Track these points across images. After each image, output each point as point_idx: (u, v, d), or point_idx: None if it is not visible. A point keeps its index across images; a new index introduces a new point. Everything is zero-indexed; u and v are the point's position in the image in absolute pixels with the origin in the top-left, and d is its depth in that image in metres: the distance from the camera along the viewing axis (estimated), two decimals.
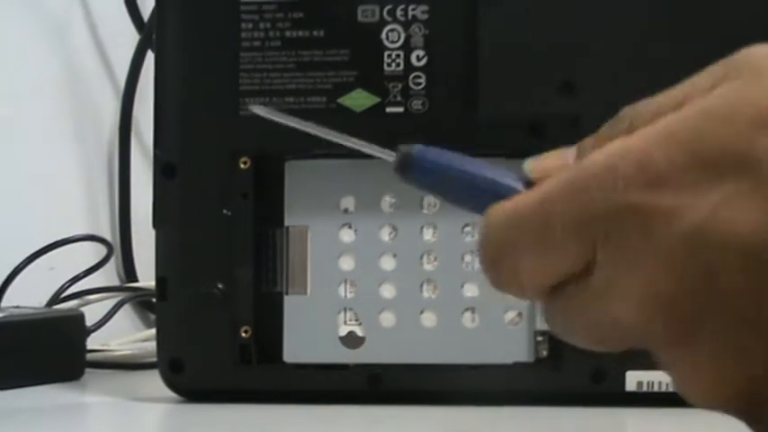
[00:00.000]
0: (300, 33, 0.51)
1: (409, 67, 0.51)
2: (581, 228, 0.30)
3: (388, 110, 0.51)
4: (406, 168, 0.34)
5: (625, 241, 0.29)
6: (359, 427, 0.48)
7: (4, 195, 0.76)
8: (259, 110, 0.38)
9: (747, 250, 0.27)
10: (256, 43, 0.51)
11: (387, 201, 0.51)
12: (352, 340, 0.51)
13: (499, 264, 0.31)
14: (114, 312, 0.72)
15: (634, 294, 0.29)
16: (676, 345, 0.29)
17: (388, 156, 0.35)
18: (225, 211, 0.52)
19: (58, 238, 0.73)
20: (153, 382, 0.53)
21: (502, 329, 0.50)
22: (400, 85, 0.51)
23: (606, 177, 0.29)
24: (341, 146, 0.51)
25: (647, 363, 0.49)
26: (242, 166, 0.52)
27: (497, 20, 0.50)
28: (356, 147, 0.37)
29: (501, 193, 0.32)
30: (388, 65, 0.51)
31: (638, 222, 0.29)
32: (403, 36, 0.51)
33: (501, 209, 0.31)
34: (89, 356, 0.62)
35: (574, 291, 0.31)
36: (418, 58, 0.51)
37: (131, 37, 0.83)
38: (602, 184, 0.29)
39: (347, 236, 0.52)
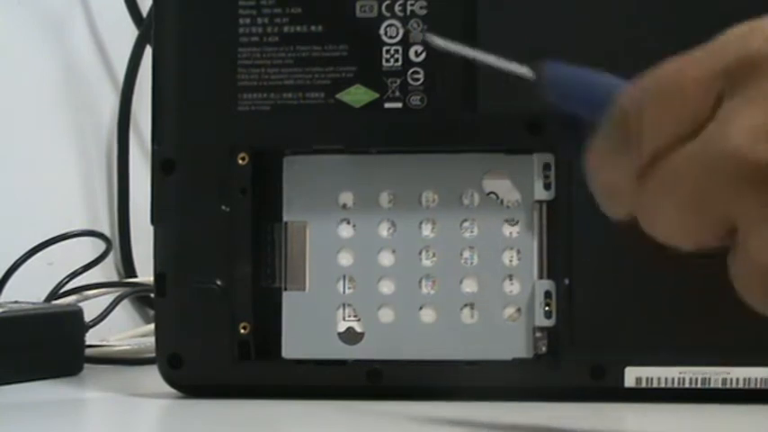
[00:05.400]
0: (299, 29, 0.51)
1: (408, 63, 0.51)
2: (714, 78, 0.33)
3: (387, 105, 0.51)
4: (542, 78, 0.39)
5: (752, 81, 0.32)
6: (357, 422, 0.48)
7: (2, 190, 0.76)
8: (433, 39, 0.44)
9: None
10: (254, 38, 0.51)
11: (385, 196, 0.51)
12: (350, 336, 0.51)
13: (627, 122, 0.35)
14: (113, 308, 0.72)
15: (753, 120, 0.32)
16: None
17: (526, 70, 0.40)
18: (223, 207, 0.52)
19: (57, 234, 0.74)
20: (152, 377, 0.53)
21: (501, 325, 0.50)
22: (399, 81, 0.51)
23: (745, 32, 0.34)
24: (339, 141, 0.51)
25: (646, 359, 0.49)
26: (240, 161, 0.52)
27: (496, 15, 0.50)
28: (497, 64, 0.42)
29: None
30: (387, 60, 0.51)
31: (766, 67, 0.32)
32: (401, 31, 0.51)
33: (636, 85, 0.35)
34: (88, 352, 0.62)
35: (688, 148, 0.33)
36: (417, 54, 0.51)
37: (130, 32, 0.83)
38: (740, 38, 0.33)
39: (346, 231, 0.52)
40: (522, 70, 0.40)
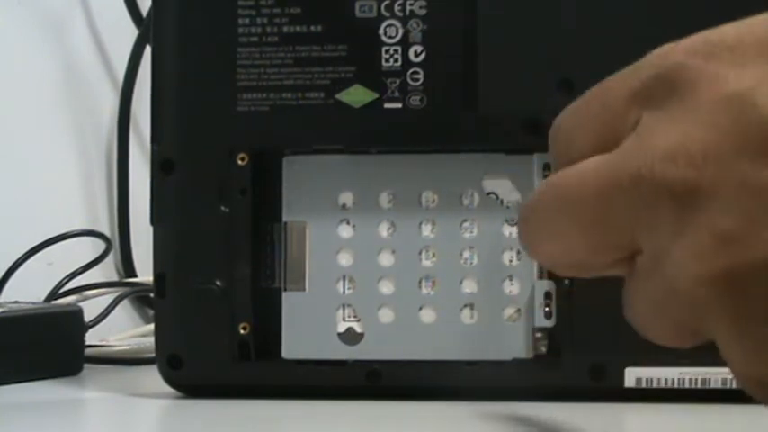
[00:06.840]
0: (298, 29, 0.51)
1: (407, 63, 0.51)
2: (634, 92, 0.32)
3: (386, 106, 0.51)
4: None
5: (669, 97, 0.31)
6: (357, 423, 0.48)
7: (2, 190, 0.76)
8: None
9: None
10: (254, 38, 0.51)
11: (385, 196, 0.51)
12: (350, 336, 0.51)
13: (552, 137, 0.35)
14: (113, 308, 0.72)
15: (668, 140, 0.30)
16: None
17: None
18: (223, 208, 0.51)
19: (57, 234, 0.74)
20: (152, 377, 0.53)
21: (500, 326, 0.50)
22: (398, 81, 0.51)
23: (666, 49, 0.32)
24: (339, 141, 0.51)
25: (645, 359, 0.49)
26: (240, 162, 0.52)
27: (496, 15, 0.50)
28: None
29: None
30: (386, 60, 0.51)
31: (684, 81, 0.31)
32: (401, 31, 0.51)
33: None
34: (88, 352, 0.62)
35: (599, 159, 0.32)
36: (416, 54, 0.51)
37: (130, 32, 0.83)
38: (661, 55, 0.32)
39: (345, 232, 0.52)
40: None
